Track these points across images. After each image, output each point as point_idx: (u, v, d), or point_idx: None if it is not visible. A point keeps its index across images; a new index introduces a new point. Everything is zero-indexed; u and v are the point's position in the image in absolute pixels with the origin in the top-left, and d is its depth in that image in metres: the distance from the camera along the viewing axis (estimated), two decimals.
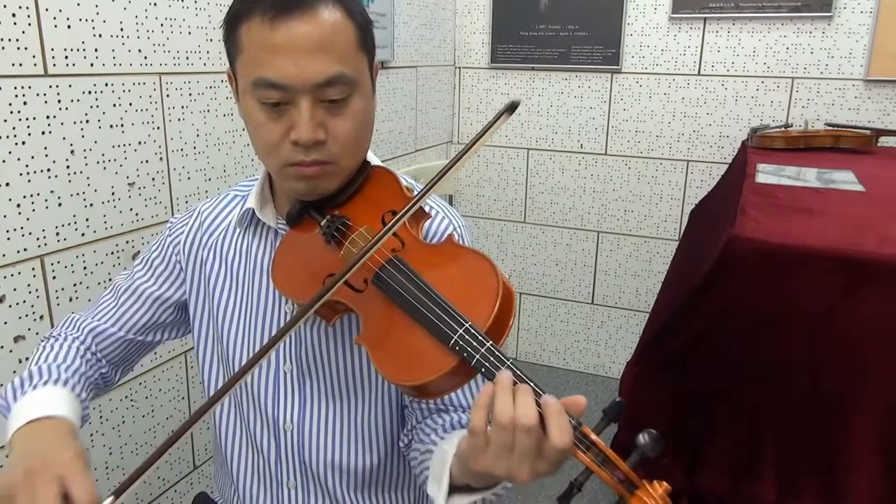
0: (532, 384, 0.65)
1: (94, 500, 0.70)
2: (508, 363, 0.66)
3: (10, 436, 0.81)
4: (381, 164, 0.92)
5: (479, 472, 0.68)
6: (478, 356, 0.66)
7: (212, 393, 1.01)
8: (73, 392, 0.88)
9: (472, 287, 0.72)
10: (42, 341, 1.01)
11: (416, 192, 0.86)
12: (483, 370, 0.66)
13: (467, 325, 0.67)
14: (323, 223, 0.85)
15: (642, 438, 0.63)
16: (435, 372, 0.68)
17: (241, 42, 0.80)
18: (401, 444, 0.96)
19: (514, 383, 0.65)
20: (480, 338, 0.66)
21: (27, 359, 1.23)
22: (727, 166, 2.44)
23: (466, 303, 0.70)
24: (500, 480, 0.72)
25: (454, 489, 0.75)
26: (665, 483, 0.63)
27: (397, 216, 0.76)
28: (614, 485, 0.63)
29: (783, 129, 2.29)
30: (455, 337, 0.67)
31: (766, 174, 1.74)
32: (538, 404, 0.64)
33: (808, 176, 1.74)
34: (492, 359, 0.66)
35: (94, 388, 0.98)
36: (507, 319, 0.70)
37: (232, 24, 0.82)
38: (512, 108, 0.73)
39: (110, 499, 0.66)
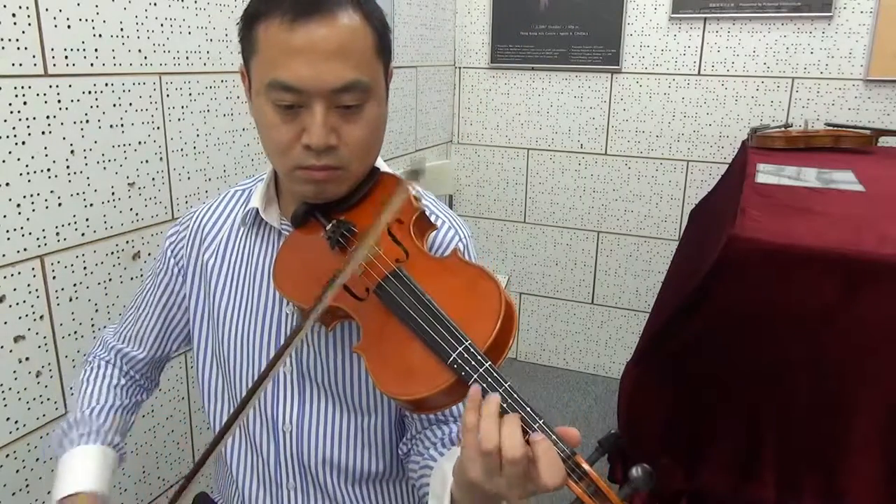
0: (528, 409, 0.65)
1: None
2: (506, 386, 0.65)
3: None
4: (389, 170, 0.92)
5: (474, 484, 0.67)
6: (475, 375, 0.66)
7: (209, 395, 1.02)
8: (106, 443, 0.98)
9: (475, 305, 0.71)
10: (83, 366, 1.09)
11: (423, 202, 0.86)
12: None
13: (467, 343, 0.67)
14: (328, 228, 0.84)
15: (635, 472, 0.64)
16: (431, 388, 0.67)
17: (258, 42, 0.80)
18: (400, 452, 0.96)
19: (502, 407, 0.65)
20: (479, 357, 0.66)
21: (27, 359, 1.23)
22: (727, 166, 2.44)
23: (467, 320, 0.69)
24: (499, 501, 0.71)
25: None
26: None
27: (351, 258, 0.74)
28: None
29: (783, 129, 2.29)
30: (454, 355, 0.67)
31: (767, 174, 1.74)
32: (528, 441, 0.63)
33: (808, 176, 1.74)
34: (489, 379, 0.65)
35: (134, 411, 1.08)
36: (508, 339, 0.69)
37: (249, 23, 0.81)
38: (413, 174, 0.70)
39: None
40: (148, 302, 1.04)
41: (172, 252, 1.02)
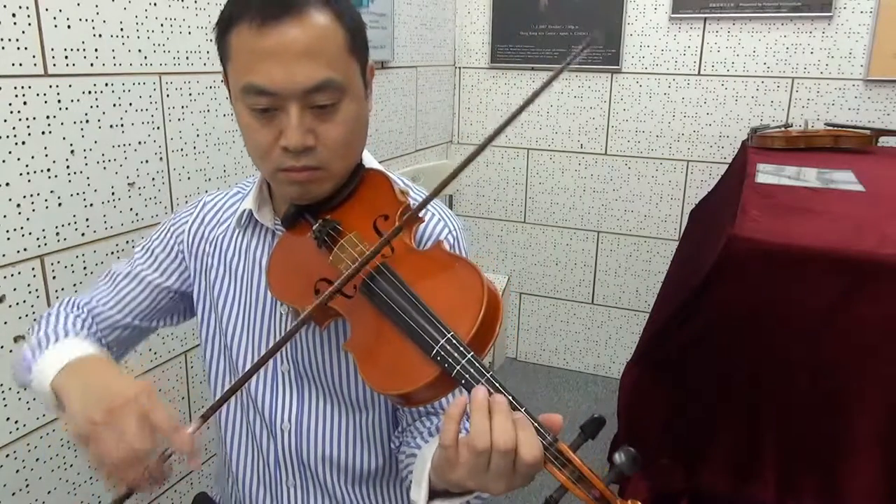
0: (510, 397, 0.65)
1: (176, 425, 0.71)
2: (488, 375, 0.66)
3: (52, 381, 0.81)
4: (377, 166, 0.92)
5: (456, 484, 0.68)
6: (458, 367, 0.66)
7: (218, 391, 1.01)
8: (95, 343, 0.90)
9: (458, 296, 0.71)
10: (41, 318, 0.99)
11: (410, 195, 0.86)
12: (463, 381, 0.66)
13: (449, 335, 0.67)
14: (315, 227, 0.85)
15: (619, 457, 0.63)
16: (415, 382, 0.67)
17: (231, 48, 0.80)
18: (392, 446, 0.96)
19: (490, 393, 0.65)
20: (462, 348, 0.66)
21: None
22: (727, 166, 2.44)
23: (450, 312, 0.69)
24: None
25: (435, 494, 0.75)
26: (639, 502, 0.63)
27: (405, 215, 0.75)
28: (590, 502, 0.63)
29: (783, 129, 2.29)
30: (437, 347, 0.67)
31: (766, 174, 1.74)
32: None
33: (808, 176, 1.74)
34: (472, 370, 0.66)
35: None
36: (492, 330, 0.69)
37: (222, 30, 0.82)
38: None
39: (194, 424, 0.72)
40: (137, 274, 1.00)
41: (176, 231, 1.01)
